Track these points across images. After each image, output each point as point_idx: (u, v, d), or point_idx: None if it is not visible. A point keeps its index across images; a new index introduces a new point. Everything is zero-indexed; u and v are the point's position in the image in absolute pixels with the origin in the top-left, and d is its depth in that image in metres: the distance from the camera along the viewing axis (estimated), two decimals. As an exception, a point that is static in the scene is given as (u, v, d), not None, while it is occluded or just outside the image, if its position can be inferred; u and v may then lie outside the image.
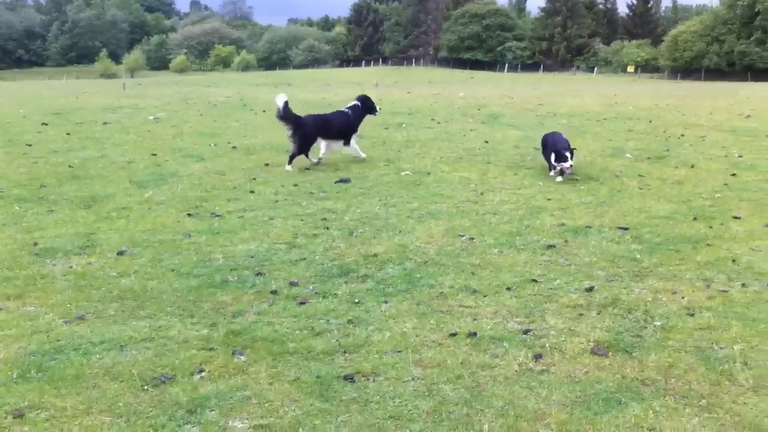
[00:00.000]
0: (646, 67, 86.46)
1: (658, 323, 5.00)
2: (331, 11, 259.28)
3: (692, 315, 5.16)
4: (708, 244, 6.99)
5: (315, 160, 11.73)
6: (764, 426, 3.68)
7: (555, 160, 10.18)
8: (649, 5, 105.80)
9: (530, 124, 18.04)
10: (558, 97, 29.08)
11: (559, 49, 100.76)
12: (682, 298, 5.52)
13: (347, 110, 12.02)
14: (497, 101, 25.93)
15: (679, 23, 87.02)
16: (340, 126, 11.81)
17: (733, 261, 6.44)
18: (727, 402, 3.92)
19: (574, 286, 5.77)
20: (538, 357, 4.45)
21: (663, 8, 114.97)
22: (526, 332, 4.84)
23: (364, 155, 12.14)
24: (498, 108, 22.48)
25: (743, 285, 5.83)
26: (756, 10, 72.57)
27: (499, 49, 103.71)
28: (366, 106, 12.24)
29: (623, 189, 9.71)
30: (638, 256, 6.60)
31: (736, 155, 12.53)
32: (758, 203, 8.87)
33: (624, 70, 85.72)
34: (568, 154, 10.11)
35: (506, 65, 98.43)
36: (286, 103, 11.14)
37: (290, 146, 11.45)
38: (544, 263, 6.41)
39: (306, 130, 11.32)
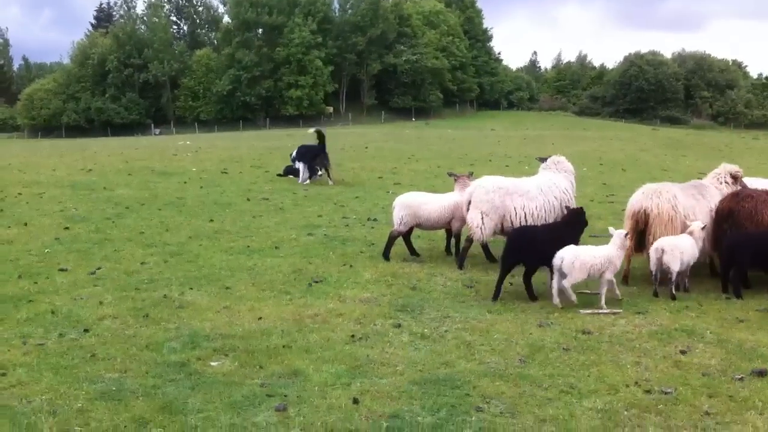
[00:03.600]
0: (5, 127, 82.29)
1: (-34, 392, 4.80)
2: None
3: (5, 374, 5.11)
4: (30, 300, 7.04)
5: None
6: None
7: None
8: (1, 63, 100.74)
9: None
10: None
11: None
12: (-6, 359, 5.42)
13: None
14: None
15: (35, 81, 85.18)
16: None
17: (53, 313, 6.64)
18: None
19: None
20: None
21: (16, 66, 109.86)
22: None
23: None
24: None
25: (60, 335, 6.05)
26: (107, 68, 76.17)
27: None
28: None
29: None
30: (-53, 327, 6.22)
31: (72, 209, 12.92)
32: (86, 253, 9.34)
33: (-24, 133, 79.77)
34: None
35: None
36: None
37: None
38: None
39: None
